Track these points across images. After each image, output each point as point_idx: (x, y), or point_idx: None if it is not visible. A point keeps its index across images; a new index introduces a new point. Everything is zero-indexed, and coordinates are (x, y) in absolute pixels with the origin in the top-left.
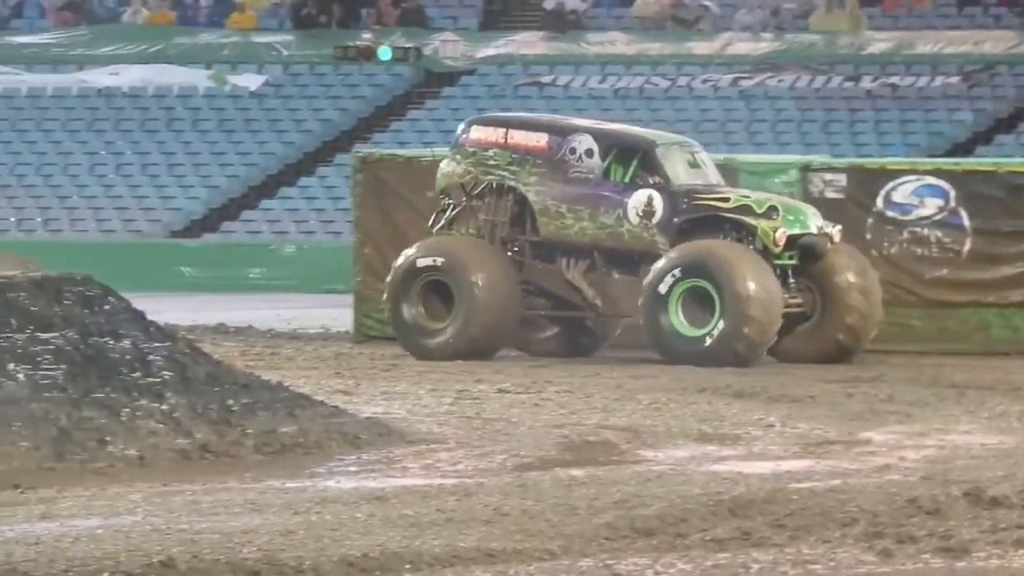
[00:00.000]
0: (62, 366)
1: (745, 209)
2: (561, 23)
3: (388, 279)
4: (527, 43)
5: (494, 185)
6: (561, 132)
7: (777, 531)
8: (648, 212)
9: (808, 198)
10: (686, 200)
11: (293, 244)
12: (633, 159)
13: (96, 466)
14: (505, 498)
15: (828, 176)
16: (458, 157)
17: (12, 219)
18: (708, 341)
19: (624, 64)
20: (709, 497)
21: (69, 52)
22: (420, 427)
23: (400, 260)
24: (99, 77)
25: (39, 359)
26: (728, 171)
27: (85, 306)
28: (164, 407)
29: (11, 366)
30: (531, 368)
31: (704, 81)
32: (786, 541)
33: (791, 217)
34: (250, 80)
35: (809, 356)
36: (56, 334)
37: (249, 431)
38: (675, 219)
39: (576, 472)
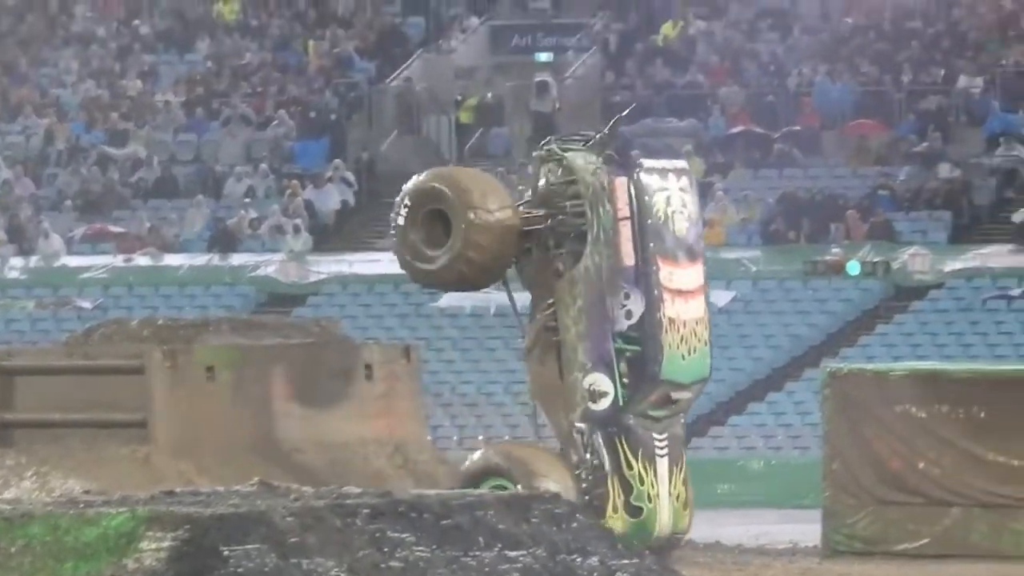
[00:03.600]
0: None
1: None
2: None
3: None
4: (996, 256)
5: None
6: None
7: None
8: None
9: None
10: None
11: (761, 459)
12: None
13: None
14: None
15: None
16: None
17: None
18: None
19: None
20: None
21: None
22: None
23: None
24: None
25: None
26: None
27: (553, 523)
28: None
29: None
30: None
31: None
32: None
33: None
34: (719, 296)
35: None
36: (524, 552)
37: None
38: None
39: None
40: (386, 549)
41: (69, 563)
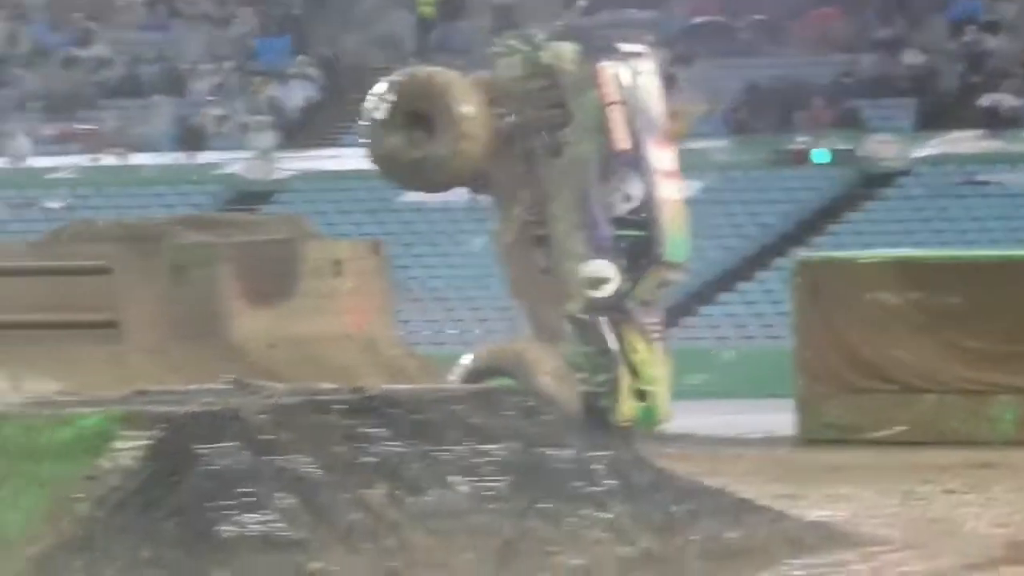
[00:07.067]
0: (505, 477)
1: None
2: (997, 121)
3: None
4: (963, 142)
5: None
6: None
7: None
8: None
9: None
10: None
11: (733, 350)
12: None
13: None
14: None
15: None
16: None
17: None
18: None
19: None
20: None
21: None
22: (866, 529)
23: None
24: None
25: (481, 471)
26: None
27: (526, 416)
28: (607, 516)
29: (453, 478)
30: (976, 469)
31: None
32: None
33: None
34: (687, 187)
35: None
36: (498, 445)
37: (693, 537)
38: None
39: None
40: (360, 445)
41: (45, 463)
